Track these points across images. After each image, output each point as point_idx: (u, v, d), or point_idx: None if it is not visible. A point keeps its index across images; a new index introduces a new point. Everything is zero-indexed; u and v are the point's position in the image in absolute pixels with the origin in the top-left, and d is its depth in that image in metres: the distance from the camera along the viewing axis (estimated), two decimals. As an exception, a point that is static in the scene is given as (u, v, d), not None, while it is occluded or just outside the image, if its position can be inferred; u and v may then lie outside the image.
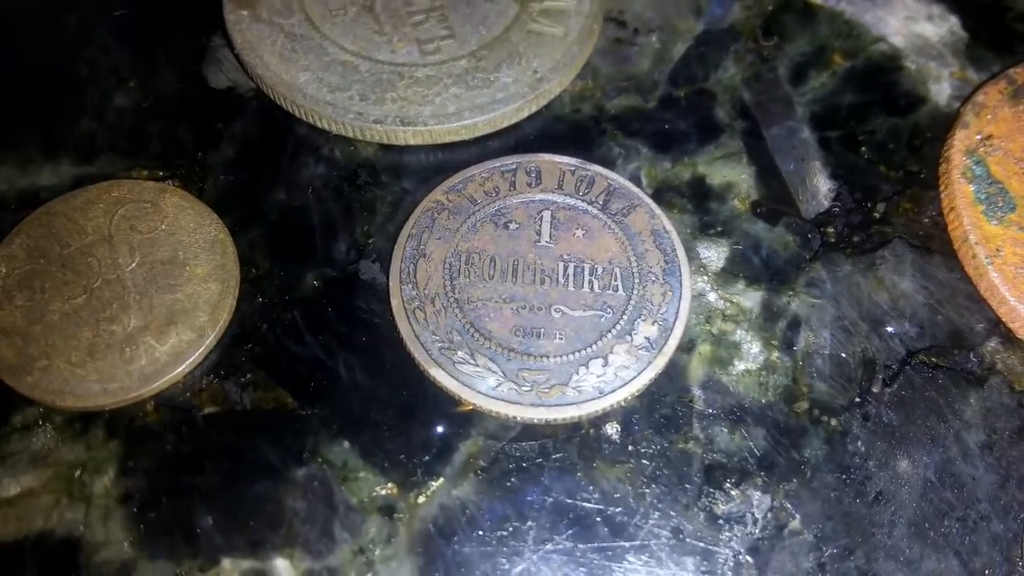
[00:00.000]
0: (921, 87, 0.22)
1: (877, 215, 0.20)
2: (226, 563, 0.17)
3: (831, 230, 0.20)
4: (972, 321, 0.19)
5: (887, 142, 0.21)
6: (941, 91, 0.22)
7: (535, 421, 0.18)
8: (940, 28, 0.23)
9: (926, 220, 0.20)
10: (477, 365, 0.18)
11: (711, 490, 0.17)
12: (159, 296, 0.19)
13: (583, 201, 0.20)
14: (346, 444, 0.18)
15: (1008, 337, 0.19)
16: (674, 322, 0.19)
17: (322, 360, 0.18)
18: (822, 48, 0.23)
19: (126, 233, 0.19)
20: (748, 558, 0.17)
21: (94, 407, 0.18)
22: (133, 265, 0.19)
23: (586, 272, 0.19)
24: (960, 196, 0.20)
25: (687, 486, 0.17)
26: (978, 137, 0.21)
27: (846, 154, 0.21)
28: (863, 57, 0.23)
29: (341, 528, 0.17)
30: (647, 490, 0.17)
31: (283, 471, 0.17)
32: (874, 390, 0.18)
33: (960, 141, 0.21)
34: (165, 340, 0.18)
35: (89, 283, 0.19)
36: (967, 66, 0.23)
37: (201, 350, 0.18)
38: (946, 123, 0.22)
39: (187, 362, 0.18)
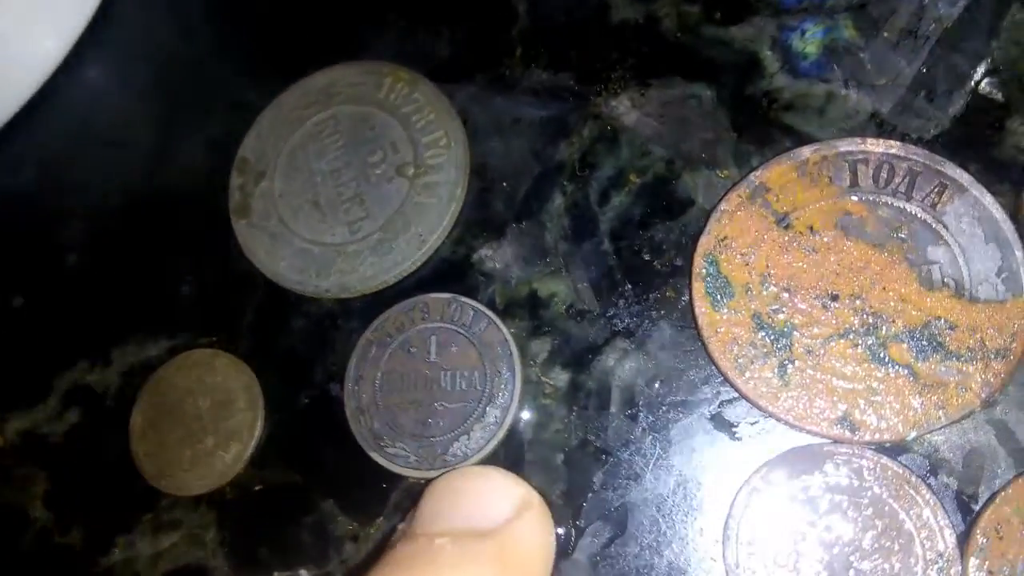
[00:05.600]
0: (693, 192, 0.30)
1: (650, 303, 0.30)
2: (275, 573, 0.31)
3: (617, 322, 0.30)
4: (704, 378, 0.29)
5: (662, 243, 0.30)
6: (708, 193, 0.30)
7: (429, 478, 0.30)
8: (709, 133, 0.31)
9: (683, 303, 0.30)
10: (396, 447, 0.30)
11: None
12: (222, 424, 0.32)
13: (456, 325, 0.31)
14: (331, 501, 0.31)
15: (726, 387, 0.28)
16: (510, 404, 0.30)
17: (313, 449, 0.31)
18: (622, 170, 0.31)
19: (199, 385, 0.33)
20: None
21: (199, 494, 0.32)
22: (207, 405, 0.33)
23: (457, 377, 0.31)
24: (696, 292, 0.29)
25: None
26: (715, 240, 0.29)
27: (633, 258, 0.30)
28: (651, 173, 0.31)
29: (332, 548, 0.30)
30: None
31: (298, 516, 0.31)
32: (636, 432, 0.29)
33: (701, 247, 0.29)
34: (229, 450, 0.32)
35: (187, 421, 0.33)
36: (731, 165, 0.30)
37: (247, 453, 0.32)
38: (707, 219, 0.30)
39: (241, 461, 0.32)
